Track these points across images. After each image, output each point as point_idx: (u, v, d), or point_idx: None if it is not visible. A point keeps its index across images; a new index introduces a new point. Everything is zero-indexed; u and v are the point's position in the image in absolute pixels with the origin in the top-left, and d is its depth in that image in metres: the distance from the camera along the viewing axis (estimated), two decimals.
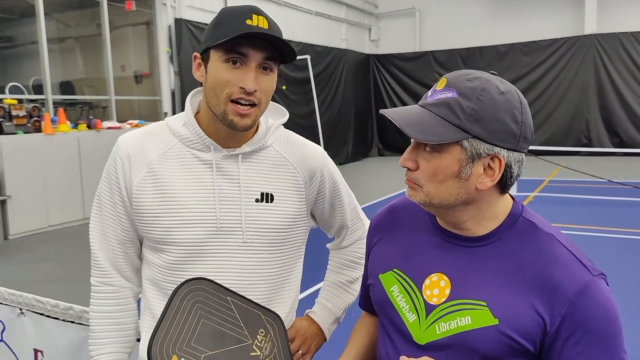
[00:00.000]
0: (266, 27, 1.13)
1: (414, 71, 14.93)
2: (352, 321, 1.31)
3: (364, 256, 1.46)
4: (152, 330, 1.26)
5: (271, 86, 1.19)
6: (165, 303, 1.06)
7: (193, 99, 1.30)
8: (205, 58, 1.19)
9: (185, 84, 9.47)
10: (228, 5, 11.42)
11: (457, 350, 0.95)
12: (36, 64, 7.63)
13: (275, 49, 1.16)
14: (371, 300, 1.15)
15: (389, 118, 0.95)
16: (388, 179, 10.66)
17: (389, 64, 15.42)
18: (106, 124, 7.83)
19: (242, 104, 1.15)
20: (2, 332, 1.91)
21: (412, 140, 0.96)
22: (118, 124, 8.01)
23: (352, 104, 14.32)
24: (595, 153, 12.27)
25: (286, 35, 11.99)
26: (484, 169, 0.93)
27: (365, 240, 1.45)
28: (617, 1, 12.88)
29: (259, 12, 1.15)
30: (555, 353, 0.91)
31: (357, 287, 1.48)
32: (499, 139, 0.91)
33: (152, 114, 9.43)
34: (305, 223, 1.33)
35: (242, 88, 1.14)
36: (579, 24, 13.27)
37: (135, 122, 8.31)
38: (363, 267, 1.47)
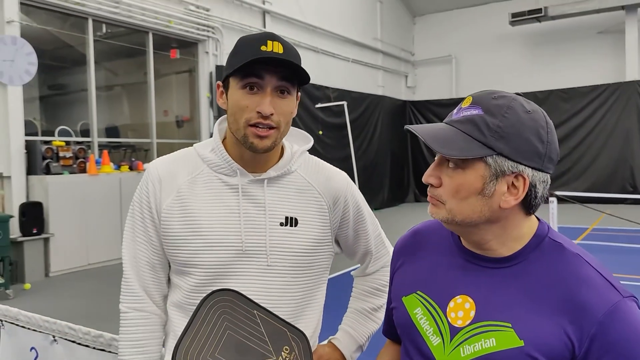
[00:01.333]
0: (281, 51, 1.16)
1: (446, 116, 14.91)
2: (375, 349, 1.29)
3: (388, 284, 1.45)
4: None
5: (289, 109, 1.22)
6: None
7: (220, 126, 1.33)
8: (226, 86, 1.24)
9: None
10: None
11: None
12: (84, 109, 8.00)
13: (292, 72, 1.19)
14: (394, 325, 1.13)
15: (414, 132, 0.95)
16: None
17: (425, 110, 15.49)
18: (147, 165, 8.08)
19: (260, 127, 1.19)
20: (35, 359, 1.93)
21: (436, 157, 0.97)
22: None
23: (388, 149, 14.36)
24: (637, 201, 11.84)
25: (323, 81, 12.31)
26: (508, 187, 0.92)
27: (389, 268, 1.44)
28: None
29: (274, 38, 1.18)
30: None
31: (381, 315, 1.46)
32: (524, 157, 0.91)
33: None
34: (329, 248, 1.34)
35: (259, 112, 1.17)
36: (620, 70, 13.10)
37: None
38: (387, 294, 1.46)
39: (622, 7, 12.70)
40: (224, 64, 6.92)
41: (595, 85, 13.26)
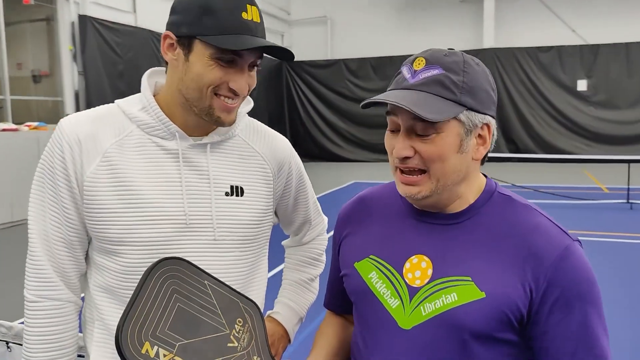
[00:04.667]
0: (258, 19, 1.06)
1: (326, 79, 15.19)
2: (310, 319, 1.24)
3: (324, 253, 1.41)
4: (104, 340, 1.11)
5: (255, 82, 1.11)
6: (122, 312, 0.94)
7: (150, 80, 1.16)
8: (184, 43, 1.05)
9: (91, 84, 9.01)
10: (136, 2, 10.94)
11: (445, 330, 0.92)
12: None
13: (267, 47, 1.07)
14: (340, 295, 1.11)
15: (391, 103, 0.90)
16: None
17: (301, 71, 15.57)
18: (0, 125, 7.26)
19: (229, 101, 1.07)
20: None
21: (402, 126, 0.93)
22: (14, 126, 7.44)
23: (265, 110, 14.28)
24: (493, 159, 13.09)
25: None
26: (477, 138, 0.95)
27: (324, 236, 1.42)
28: (512, 18, 13.87)
29: (252, 2, 1.05)
30: (542, 319, 0.91)
31: (317, 285, 1.42)
32: (487, 107, 0.94)
33: (53, 116, 8.88)
34: (271, 218, 1.26)
35: (231, 89, 1.06)
36: (478, 38, 14.13)
37: (35, 124, 7.78)
38: (323, 264, 1.42)
39: None
40: (88, 13, 6.34)
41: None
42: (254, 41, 1.02)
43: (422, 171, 0.93)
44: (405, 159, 0.92)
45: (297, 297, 1.37)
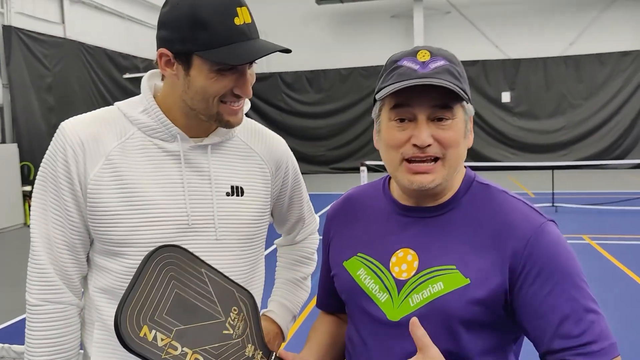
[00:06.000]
0: (249, 20, 1.06)
1: (262, 92, 15.21)
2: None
3: (315, 252, 1.43)
4: (104, 341, 1.11)
5: (254, 77, 1.13)
6: None
7: (150, 82, 1.17)
8: (182, 59, 1.06)
9: (17, 97, 8.60)
10: (64, 13, 10.59)
11: (433, 319, 0.94)
12: None
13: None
14: (332, 294, 1.13)
15: (430, 83, 0.91)
16: None
17: None
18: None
19: (234, 104, 1.10)
20: None
21: (420, 115, 0.94)
22: None
23: None
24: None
25: (131, 50, 11.55)
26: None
27: (316, 235, 1.44)
28: (440, 33, 14.48)
29: (241, 3, 1.05)
30: (525, 294, 0.93)
31: (309, 283, 1.45)
32: (469, 97, 0.98)
33: None
34: (268, 217, 1.28)
35: (236, 94, 1.08)
36: None
37: None
38: (315, 262, 1.43)
39: None
40: (13, 24, 6.09)
41: None
42: (253, 50, 1.04)
43: (435, 159, 0.95)
44: (424, 150, 0.94)
45: (291, 296, 1.40)
